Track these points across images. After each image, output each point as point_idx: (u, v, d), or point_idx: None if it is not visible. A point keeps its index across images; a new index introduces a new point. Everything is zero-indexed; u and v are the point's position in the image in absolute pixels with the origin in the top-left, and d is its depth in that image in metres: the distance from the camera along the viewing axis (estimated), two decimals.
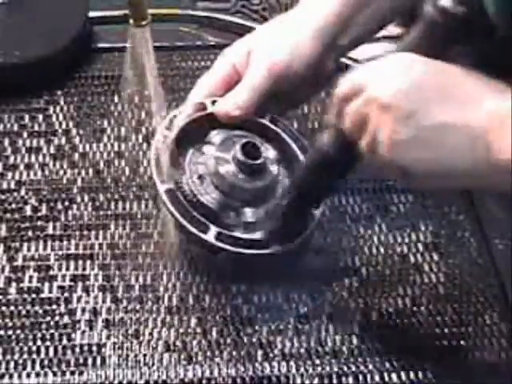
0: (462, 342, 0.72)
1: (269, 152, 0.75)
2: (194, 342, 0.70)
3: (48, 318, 0.71)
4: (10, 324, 0.71)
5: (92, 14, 0.94)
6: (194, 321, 0.72)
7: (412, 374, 0.70)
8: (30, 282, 0.74)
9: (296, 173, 0.72)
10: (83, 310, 0.72)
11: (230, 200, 0.72)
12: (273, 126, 0.77)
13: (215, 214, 0.71)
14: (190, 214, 0.69)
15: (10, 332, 0.70)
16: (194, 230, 0.69)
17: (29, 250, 0.76)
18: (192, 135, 0.74)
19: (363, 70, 0.61)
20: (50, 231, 0.77)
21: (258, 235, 0.71)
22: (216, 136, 0.74)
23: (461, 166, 0.56)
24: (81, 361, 0.69)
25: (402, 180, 0.61)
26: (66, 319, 0.71)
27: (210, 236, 0.69)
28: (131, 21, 0.69)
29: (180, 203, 0.70)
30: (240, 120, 0.73)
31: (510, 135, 0.54)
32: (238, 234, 0.70)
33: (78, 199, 0.80)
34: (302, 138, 0.78)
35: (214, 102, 0.74)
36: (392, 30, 0.84)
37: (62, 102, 0.89)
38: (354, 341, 0.71)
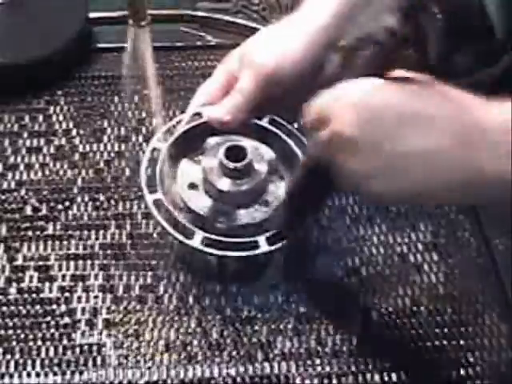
0: (461, 342, 0.72)
1: (265, 154, 0.75)
2: (194, 342, 0.70)
3: (48, 318, 0.71)
4: (10, 324, 0.71)
5: (92, 14, 0.94)
6: (194, 321, 0.72)
7: (412, 374, 0.70)
8: (30, 282, 0.74)
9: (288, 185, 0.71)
10: (83, 310, 0.72)
11: (221, 205, 0.72)
12: (271, 127, 0.77)
13: (206, 220, 0.71)
14: (176, 222, 0.70)
15: (10, 332, 0.70)
16: (179, 236, 0.69)
17: (29, 249, 0.76)
18: (188, 145, 0.75)
19: (326, 99, 0.59)
20: (50, 231, 0.77)
21: (251, 237, 0.70)
22: (211, 143, 0.74)
23: (441, 189, 0.55)
24: (81, 361, 0.69)
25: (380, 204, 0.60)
26: (66, 319, 0.71)
27: (196, 241, 0.69)
28: (130, 21, 0.69)
29: (168, 212, 0.70)
30: (234, 125, 0.72)
31: (492, 151, 0.52)
32: (228, 237, 0.70)
33: (78, 199, 0.80)
34: (302, 136, 0.78)
35: None
36: None
37: (62, 102, 0.89)
38: (354, 341, 0.71)
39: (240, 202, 0.72)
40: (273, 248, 0.70)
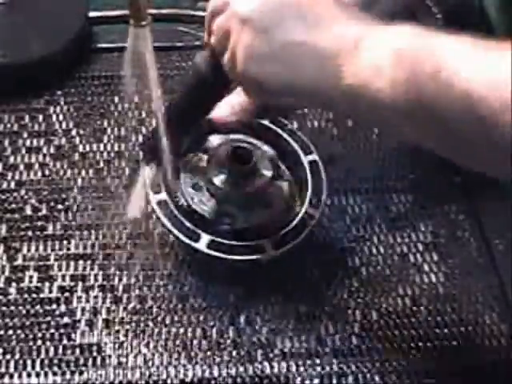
0: (461, 342, 0.72)
1: (267, 153, 0.75)
2: (194, 342, 0.70)
3: (48, 318, 0.71)
4: (10, 324, 0.71)
5: (92, 14, 0.94)
6: (193, 321, 0.72)
7: (412, 374, 0.70)
8: (30, 282, 0.74)
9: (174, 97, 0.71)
10: (83, 310, 0.72)
11: (225, 206, 0.72)
12: (272, 126, 0.77)
13: (210, 223, 0.71)
14: (181, 224, 0.70)
15: (10, 332, 0.70)
16: (185, 239, 0.69)
17: (29, 250, 0.76)
18: (190, 142, 0.75)
19: None
20: (50, 231, 0.77)
21: (253, 240, 0.71)
22: (213, 142, 0.74)
23: (311, 86, 0.58)
24: (81, 361, 0.69)
25: (259, 96, 0.64)
26: (66, 319, 0.71)
27: (202, 244, 0.69)
28: (131, 21, 0.69)
29: (172, 213, 0.70)
30: (238, 126, 0.72)
31: (360, 60, 0.55)
32: (232, 240, 0.70)
33: (78, 199, 0.80)
34: (303, 136, 0.78)
35: None
36: None
37: (62, 102, 0.89)
38: (354, 341, 0.71)
39: (244, 203, 0.72)
40: (279, 252, 0.70)
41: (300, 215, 0.72)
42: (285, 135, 0.77)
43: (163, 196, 0.71)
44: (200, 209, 0.72)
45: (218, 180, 0.72)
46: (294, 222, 0.72)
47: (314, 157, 0.76)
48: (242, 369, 0.69)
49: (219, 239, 0.69)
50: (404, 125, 0.55)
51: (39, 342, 0.70)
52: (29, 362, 0.69)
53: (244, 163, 0.71)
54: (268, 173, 0.73)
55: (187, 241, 0.69)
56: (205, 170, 0.73)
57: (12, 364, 0.68)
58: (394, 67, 0.53)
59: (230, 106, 0.72)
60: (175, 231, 0.69)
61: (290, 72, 0.59)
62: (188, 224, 0.70)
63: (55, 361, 0.69)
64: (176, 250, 0.76)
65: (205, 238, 0.69)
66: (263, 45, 0.59)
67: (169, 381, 0.68)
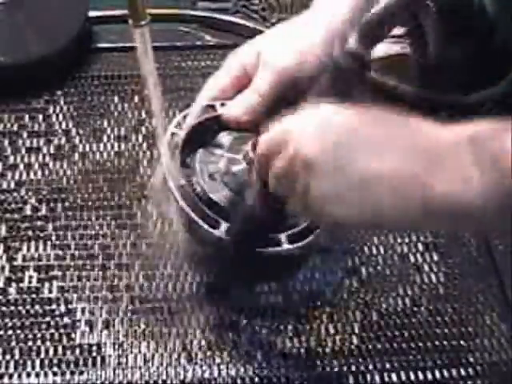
0: (461, 342, 0.72)
1: None
2: (194, 342, 0.70)
3: (48, 318, 0.71)
4: (10, 324, 0.71)
5: (92, 13, 0.94)
6: (194, 321, 0.72)
7: (412, 374, 0.70)
8: (30, 282, 0.74)
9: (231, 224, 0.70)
10: (83, 310, 0.72)
11: (241, 199, 0.72)
12: None
13: (226, 212, 0.71)
14: (201, 211, 0.69)
15: (10, 332, 0.70)
16: (205, 225, 0.69)
17: (29, 250, 0.76)
18: (201, 136, 0.74)
19: (282, 127, 0.59)
20: (50, 231, 0.77)
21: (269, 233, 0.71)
22: (225, 137, 0.74)
23: (395, 213, 0.55)
24: (81, 361, 0.69)
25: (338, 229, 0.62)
26: (66, 319, 0.71)
27: (222, 232, 0.69)
28: (130, 21, 0.69)
29: (191, 200, 0.70)
30: (249, 125, 0.73)
31: (443, 173, 0.53)
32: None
33: (78, 199, 0.80)
34: None
35: (223, 104, 0.74)
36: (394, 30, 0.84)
37: (61, 102, 0.89)
38: (354, 341, 0.71)
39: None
40: (294, 246, 0.70)
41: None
42: None
43: (182, 182, 0.70)
44: (217, 198, 0.71)
45: (237, 171, 0.71)
46: (305, 222, 0.72)
47: None
48: (242, 369, 0.69)
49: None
50: (497, 226, 0.55)
51: (39, 342, 0.70)
52: (29, 362, 0.69)
53: None
54: None
55: (206, 227, 0.69)
56: (221, 162, 0.73)
57: (12, 364, 0.68)
58: (483, 174, 0.51)
59: (242, 105, 0.72)
60: (195, 217, 0.69)
61: (372, 205, 0.55)
62: (207, 211, 0.70)
63: (55, 361, 0.69)
64: (176, 250, 0.76)
65: (224, 226, 0.69)
66: (338, 185, 0.55)
67: (169, 381, 0.68)
